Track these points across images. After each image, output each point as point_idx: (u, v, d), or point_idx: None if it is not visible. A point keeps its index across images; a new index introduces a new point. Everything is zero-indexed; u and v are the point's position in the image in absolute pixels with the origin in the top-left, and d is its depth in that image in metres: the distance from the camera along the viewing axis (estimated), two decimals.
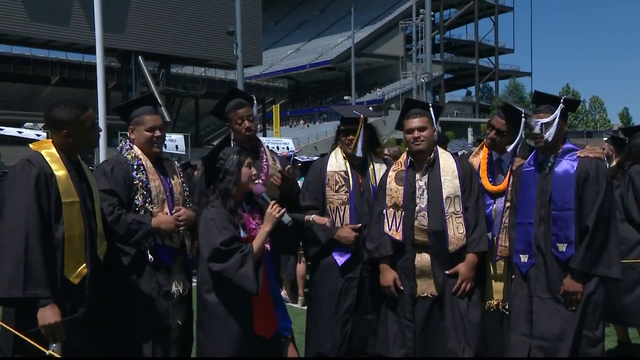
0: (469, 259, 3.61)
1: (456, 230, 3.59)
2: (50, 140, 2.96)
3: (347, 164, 3.88)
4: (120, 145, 3.58)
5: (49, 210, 2.77)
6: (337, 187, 3.83)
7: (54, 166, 2.82)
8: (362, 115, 3.82)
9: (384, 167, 3.93)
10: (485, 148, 3.91)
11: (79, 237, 2.84)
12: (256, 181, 3.39)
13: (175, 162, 3.76)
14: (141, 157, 3.44)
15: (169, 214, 3.41)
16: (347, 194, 3.81)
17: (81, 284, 2.85)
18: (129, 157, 3.41)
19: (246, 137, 3.82)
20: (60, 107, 2.93)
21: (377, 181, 3.85)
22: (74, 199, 2.84)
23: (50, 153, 2.86)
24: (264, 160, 3.88)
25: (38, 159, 2.82)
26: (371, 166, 3.93)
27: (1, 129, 19.77)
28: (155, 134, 3.47)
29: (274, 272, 3.66)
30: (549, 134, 3.39)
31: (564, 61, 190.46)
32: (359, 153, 3.81)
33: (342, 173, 3.85)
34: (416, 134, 3.65)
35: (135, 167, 3.38)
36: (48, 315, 2.66)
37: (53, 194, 2.79)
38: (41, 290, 2.67)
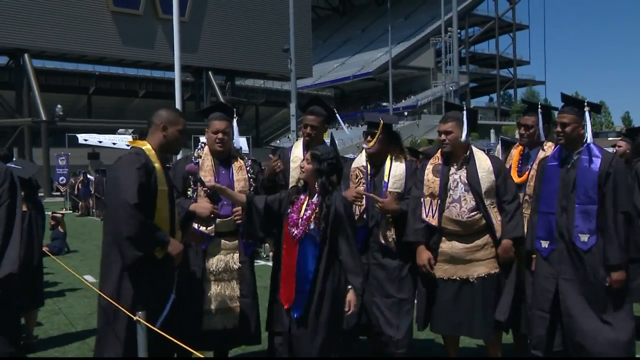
0: (504, 244, 3.44)
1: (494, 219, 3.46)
2: (145, 141, 3.00)
3: (368, 161, 3.76)
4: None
5: (149, 194, 2.82)
6: (357, 180, 3.72)
7: (152, 159, 2.89)
8: (381, 120, 3.70)
9: (402, 167, 3.74)
10: (520, 146, 3.87)
11: (166, 219, 2.90)
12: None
13: (248, 161, 3.64)
14: (203, 156, 3.36)
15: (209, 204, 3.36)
16: (364, 187, 3.68)
17: (164, 259, 2.87)
18: (195, 154, 3.39)
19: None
20: (162, 110, 3.03)
21: (390, 178, 3.69)
22: (165, 188, 2.91)
23: (148, 149, 2.94)
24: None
25: (142, 153, 2.90)
26: (389, 165, 3.74)
27: (100, 141, 20.26)
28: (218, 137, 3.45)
29: None
30: (587, 136, 3.27)
31: (573, 71, 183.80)
32: (370, 150, 3.68)
33: (362, 168, 3.73)
34: (442, 137, 3.57)
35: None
36: (176, 246, 2.90)
37: (153, 181, 2.85)
38: (163, 234, 2.85)
